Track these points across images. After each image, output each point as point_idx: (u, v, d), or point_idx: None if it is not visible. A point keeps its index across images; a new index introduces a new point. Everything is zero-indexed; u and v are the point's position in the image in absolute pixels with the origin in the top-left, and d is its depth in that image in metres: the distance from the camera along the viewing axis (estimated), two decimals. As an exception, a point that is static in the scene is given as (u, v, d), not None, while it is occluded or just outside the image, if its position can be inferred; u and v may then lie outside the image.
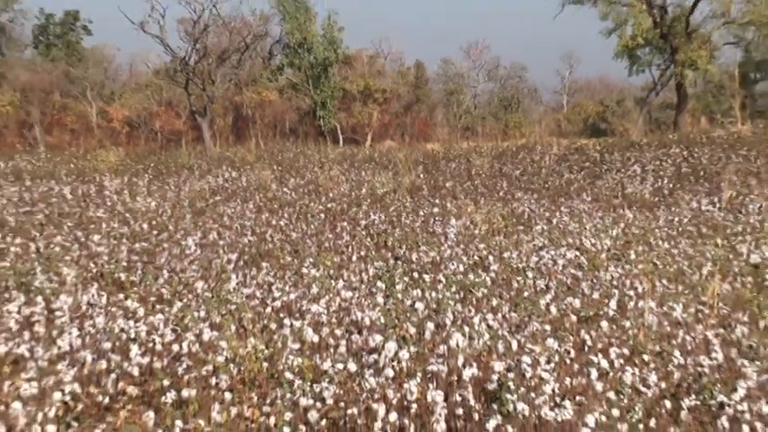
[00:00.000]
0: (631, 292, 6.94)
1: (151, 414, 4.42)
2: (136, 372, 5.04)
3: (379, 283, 7.15)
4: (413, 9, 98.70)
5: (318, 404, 4.53)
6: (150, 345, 5.50)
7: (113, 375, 5.01)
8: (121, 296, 7.03)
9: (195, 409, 4.57)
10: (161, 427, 4.35)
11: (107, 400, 4.78)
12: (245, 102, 34.25)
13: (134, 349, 5.32)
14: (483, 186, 15.25)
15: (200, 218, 11.89)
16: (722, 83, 32.21)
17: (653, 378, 4.93)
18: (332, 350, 5.49)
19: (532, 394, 4.52)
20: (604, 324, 5.90)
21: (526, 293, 6.99)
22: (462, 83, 41.22)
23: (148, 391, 4.90)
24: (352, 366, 4.94)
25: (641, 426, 4.40)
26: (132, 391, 4.85)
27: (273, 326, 5.99)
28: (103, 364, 5.12)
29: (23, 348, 5.44)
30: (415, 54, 67.13)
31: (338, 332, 5.80)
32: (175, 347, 5.42)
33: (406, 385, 4.59)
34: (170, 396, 4.61)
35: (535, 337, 5.56)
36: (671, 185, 14.41)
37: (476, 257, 8.56)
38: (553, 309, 6.37)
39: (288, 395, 4.67)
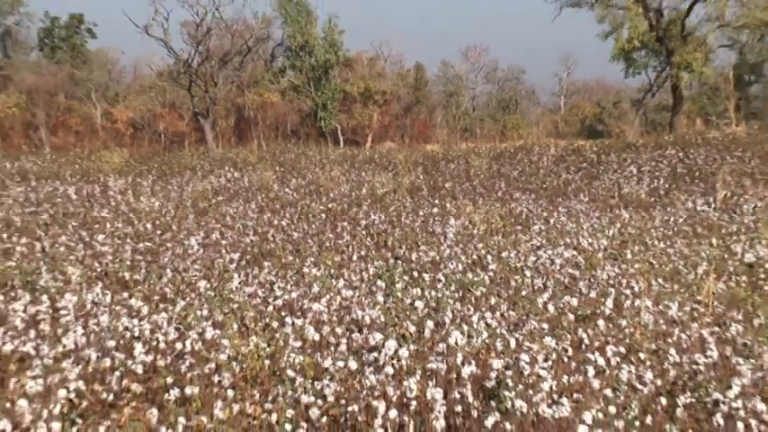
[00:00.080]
0: (628, 291, 7.00)
1: (155, 411, 4.45)
2: (140, 369, 5.08)
3: (379, 282, 7.22)
4: (413, 12, 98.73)
5: (320, 401, 4.58)
6: (154, 343, 5.55)
7: (117, 373, 5.04)
8: (125, 295, 7.08)
9: (198, 407, 4.62)
10: (164, 423, 4.37)
11: (111, 397, 4.81)
12: (248, 103, 34.30)
13: (138, 347, 5.35)
14: (482, 187, 15.30)
15: (202, 218, 11.95)
16: (717, 85, 32.27)
17: (649, 376, 4.99)
18: (333, 348, 5.53)
19: (530, 391, 4.56)
20: (601, 322, 5.96)
21: (524, 292, 7.04)
22: (461, 85, 41.26)
23: (152, 388, 4.93)
24: (353, 364, 4.99)
25: (637, 422, 4.44)
26: (136, 388, 4.89)
27: (275, 324, 6.04)
28: (108, 362, 5.16)
29: (29, 346, 5.47)
30: (415, 56, 67.21)
31: (339, 330, 5.85)
32: (178, 345, 5.46)
33: (405, 383, 4.63)
34: (173, 393, 4.66)
35: (533, 336, 5.61)
36: (667, 186, 14.48)
37: (474, 257, 8.62)
38: (551, 307, 6.43)
39: (289, 392, 4.71)
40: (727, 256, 8.65)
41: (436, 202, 13.31)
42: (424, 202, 13.38)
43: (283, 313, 6.44)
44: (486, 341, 5.40)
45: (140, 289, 7.37)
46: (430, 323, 5.71)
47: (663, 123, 33.19)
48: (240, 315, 6.28)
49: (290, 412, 4.47)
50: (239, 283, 7.62)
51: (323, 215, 12.10)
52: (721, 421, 4.47)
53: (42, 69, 35.50)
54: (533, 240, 9.65)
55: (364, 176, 17.32)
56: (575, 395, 4.69)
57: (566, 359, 5.26)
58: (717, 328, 6.08)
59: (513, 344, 5.35)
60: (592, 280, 7.55)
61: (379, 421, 4.32)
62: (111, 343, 5.50)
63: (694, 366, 5.19)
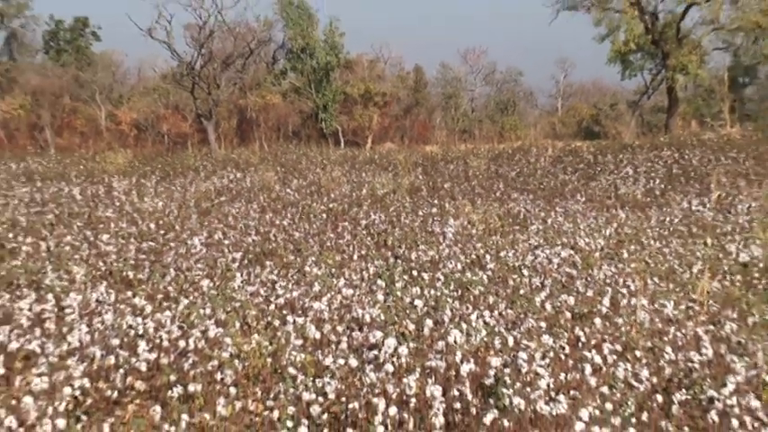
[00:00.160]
0: (624, 290, 7.06)
1: (158, 408, 4.50)
2: (143, 367, 5.13)
3: (379, 281, 7.28)
4: (413, 12, 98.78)
5: (320, 398, 4.62)
6: (157, 341, 5.60)
7: (122, 371, 5.09)
8: (129, 294, 7.14)
9: (201, 404, 4.67)
10: (168, 420, 4.42)
11: (115, 394, 4.86)
12: (250, 105, 34.39)
13: (142, 345, 5.41)
14: (480, 187, 15.34)
15: (205, 218, 12.00)
16: (712, 87, 32.41)
17: (645, 373, 5.05)
18: (333, 346, 5.59)
19: (528, 389, 4.60)
20: (598, 321, 6.02)
21: (522, 291, 7.09)
22: (460, 87, 41.26)
23: (156, 385, 4.98)
24: (353, 362, 5.05)
25: (633, 419, 4.49)
26: (140, 385, 4.95)
27: (277, 323, 6.10)
28: (112, 360, 5.20)
29: (34, 344, 5.53)
30: (415, 59, 67.06)
31: (339, 329, 5.91)
32: (182, 343, 5.51)
33: (405, 380, 4.67)
34: (176, 391, 4.70)
35: (531, 334, 5.67)
36: (662, 186, 14.53)
37: (473, 256, 8.67)
38: (548, 306, 6.49)
39: (291, 390, 4.77)
40: (722, 256, 8.72)
41: (435, 202, 13.35)
42: (423, 203, 13.42)
43: (285, 312, 6.49)
44: (485, 339, 5.46)
45: (144, 288, 7.41)
46: (429, 321, 5.76)
47: (659, 125, 33.29)
48: (242, 313, 6.33)
49: (291, 409, 4.51)
50: (241, 282, 7.68)
51: (324, 215, 12.14)
52: (716, 418, 4.53)
53: (47, 71, 35.67)
54: (531, 240, 9.70)
55: (365, 177, 17.36)
56: (572, 392, 4.75)
57: (563, 357, 5.31)
58: (712, 327, 6.14)
59: (511, 342, 5.40)
60: (589, 279, 7.60)
61: (379, 418, 4.36)
62: (116, 341, 5.55)
63: (689, 364, 5.25)
